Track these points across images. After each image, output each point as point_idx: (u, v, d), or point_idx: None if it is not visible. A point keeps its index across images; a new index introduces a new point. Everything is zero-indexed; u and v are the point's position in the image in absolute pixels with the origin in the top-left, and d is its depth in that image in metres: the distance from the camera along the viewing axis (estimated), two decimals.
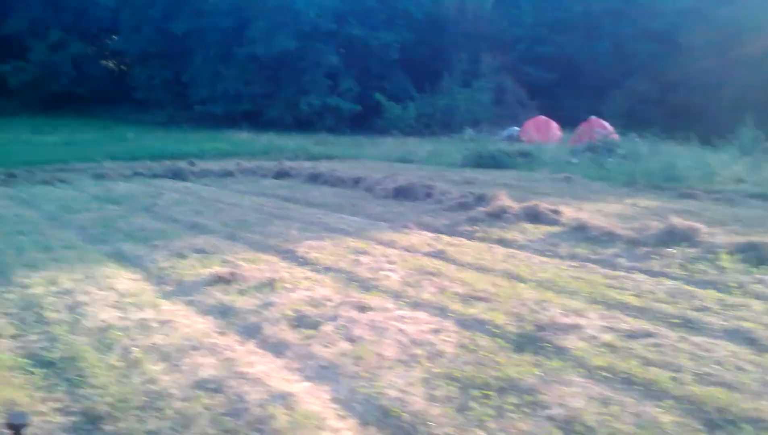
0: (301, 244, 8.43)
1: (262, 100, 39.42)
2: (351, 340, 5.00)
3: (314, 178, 15.58)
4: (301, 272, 7.07)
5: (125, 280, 6.91)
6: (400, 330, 5.16)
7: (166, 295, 6.40)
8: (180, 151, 23.04)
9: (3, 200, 13.38)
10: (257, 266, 7.28)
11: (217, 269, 6.89)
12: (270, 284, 6.47)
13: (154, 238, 9.18)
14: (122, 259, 8.05)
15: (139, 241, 9.03)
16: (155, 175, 17.41)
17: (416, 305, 5.91)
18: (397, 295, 6.21)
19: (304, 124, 37.74)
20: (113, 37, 47.37)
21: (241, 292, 6.33)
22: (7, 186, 15.96)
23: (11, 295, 6.32)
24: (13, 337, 5.23)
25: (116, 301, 6.05)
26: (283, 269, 7.13)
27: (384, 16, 39.32)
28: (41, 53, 42.20)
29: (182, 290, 6.54)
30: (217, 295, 6.25)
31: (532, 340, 4.97)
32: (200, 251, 8.16)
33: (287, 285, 6.48)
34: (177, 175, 17.24)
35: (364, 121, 38.21)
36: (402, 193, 12.67)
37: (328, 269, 7.23)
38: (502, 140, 29.03)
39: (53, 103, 43.63)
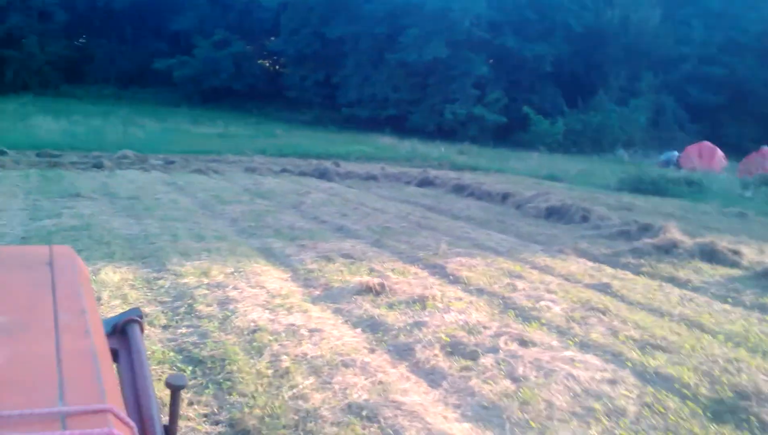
0: (451, 259, 7.97)
1: (407, 106, 39.51)
2: (514, 378, 4.47)
3: (459, 190, 15.11)
4: (452, 291, 6.61)
5: (274, 278, 6.77)
6: (570, 375, 4.56)
7: (315, 300, 6.16)
8: (326, 151, 23.40)
9: (162, 186, 14.00)
10: (406, 279, 6.92)
11: (366, 279, 6.58)
12: (421, 301, 6.06)
13: (301, 237, 9.09)
14: (271, 256, 7.97)
15: (288, 239, 8.97)
16: (302, 173, 17.66)
17: (585, 346, 5.27)
18: (561, 332, 5.60)
19: (446, 133, 37.39)
20: (272, 38, 49.40)
21: (391, 306, 5.97)
22: (165, 172, 16.78)
23: (165, 283, 6.34)
24: (165, 327, 5.17)
25: (266, 300, 5.88)
26: (433, 285, 6.70)
27: (541, 28, 38.13)
28: (205, 50, 44.77)
29: (330, 296, 6.29)
30: (366, 307, 5.93)
31: (732, 410, 4.20)
32: (347, 256, 7.93)
33: (439, 304, 6.04)
34: (323, 174, 17.39)
35: (508, 133, 37.28)
36: (555, 214, 11.92)
37: (481, 291, 6.73)
38: (658, 164, 27.20)
39: (212, 97, 46.18)
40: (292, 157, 22.09)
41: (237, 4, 47.76)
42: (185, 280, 6.40)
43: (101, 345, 1.36)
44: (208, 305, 5.67)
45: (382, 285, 6.38)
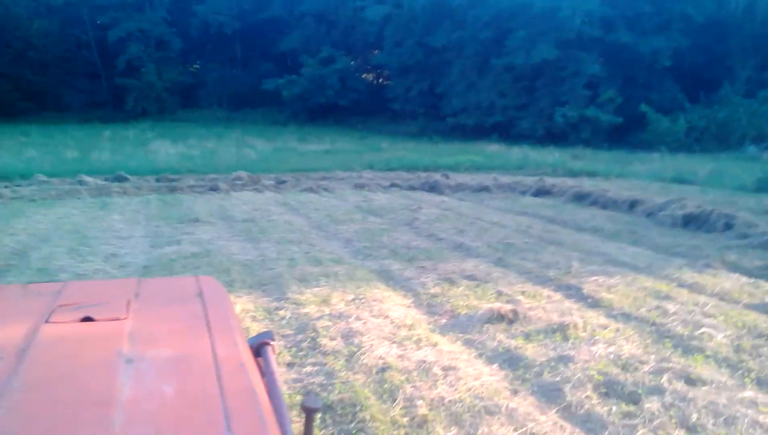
0: (586, 279, 7.29)
1: (514, 112, 38.46)
2: (689, 428, 3.81)
3: (580, 198, 14.20)
4: (594, 317, 5.95)
5: (396, 305, 6.38)
6: (756, 422, 3.84)
7: (442, 330, 5.70)
8: (433, 162, 22.97)
9: (276, 206, 14.05)
10: (540, 304, 6.32)
11: (497, 305, 6.05)
12: (561, 330, 5.47)
13: (419, 257, 8.67)
14: (390, 279, 7.60)
15: (405, 259, 8.58)
16: (411, 188, 17.32)
17: (765, 384, 4.49)
18: (732, 366, 4.84)
19: (556, 137, 36.03)
20: (375, 51, 49.81)
21: (528, 337, 5.41)
22: (277, 192, 16.92)
23: (286, 313, 6.09)
24: (289, 365, 4.87)
25: (391, 332, 5.48)
26: (572, 311, 6.07)
27: (657, 21, 36.01)
28: (312, 68, 45.68)
29: (458, 325, 5.81)
30: (500, 338, 5.40)
31: None
32: (471, 278, 7.42)
33: (582, 333, 5.43)
34: (433, 188, 16.97)
35: (624, 134, 35.41)
36: (693, 222, 10.86)
37: (627, 317, 6.03)
38: None
39: (318, 114, 47.06)
40: (400, 171, 21.82)
41: (342, 20, 48.55)
42: (306, 310, 6.12)
43: (255, 376, 1.40)
44: (332, 339, 5.34)
45: (514, 312, 5.84)
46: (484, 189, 16.53)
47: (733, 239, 9.85)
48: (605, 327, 5.64)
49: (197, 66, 54.92)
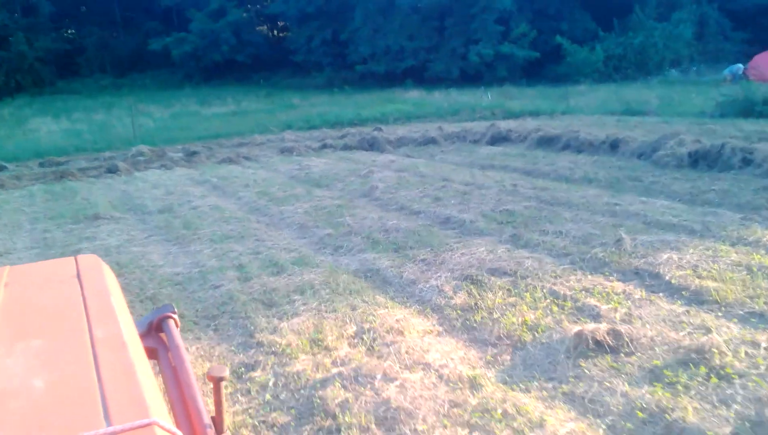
0: (652, 257, 5.46)
1: (426, 55, 36.50)
2: None
3: (548, 143, 12.45)
4: (727, 327, 4.10)
5: (424, 336, 4.33)
6: None
7: (519, 379, 3.71)
8: (357, 115, 20.76)
9: (194, 186, 11.55)
10: (626, 308, 4.44)
11: (574, 326, 4.10)
12: (704, 361, 3.58)
13: (407, 244, 6.62)
14: (387, 284, 5.52)
15: (391, 249, 6.51)
16: (347, 147, 15.10)
17: None
18: None
19: (471, 77, 34.48)
20: (269, 1, 46.27)
21: (659, 379, 3.51)
22: (191, 166, 14.32)
23: (267, 376, 3.92)
24: None
25: (452, 401, 3.43)
26: (686, 319, 4.21)
27: None
28: (201, 23, 41.80)
29: (539, 367, 3.82)
30: (616, 385, 3.48)
31: None
32: (498, 272, 5.46)
33: (739, 364, 3.56)
34: (371, 145, 14.82)
35: (540, 68, 34.30)
36: (702, 160, 9.31)
37: (760, 316, 4.22)
38: (724, 80, 24.25)
39: (214, 73, 43.41)
40: (324, 128, 19.51)
41: None
42: (297, 367, 3.98)
43: (139, 355, 1.34)
44: (355, 415, 3.26)
45: (613, 333, 3.90)
46: (431, 141, 14.51)
47: (761, 177, 8.34)
48: (758, 345, 3.81)
49: (72, 31, 49.47)
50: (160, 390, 1.29)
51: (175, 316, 1.73)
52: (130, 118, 24.56)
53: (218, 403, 1.57)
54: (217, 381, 1.58)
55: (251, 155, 14.95)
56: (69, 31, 49.04)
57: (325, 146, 15.24)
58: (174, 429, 1.09)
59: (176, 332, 1.66)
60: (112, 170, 13.97)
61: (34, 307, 1.54)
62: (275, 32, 50.32)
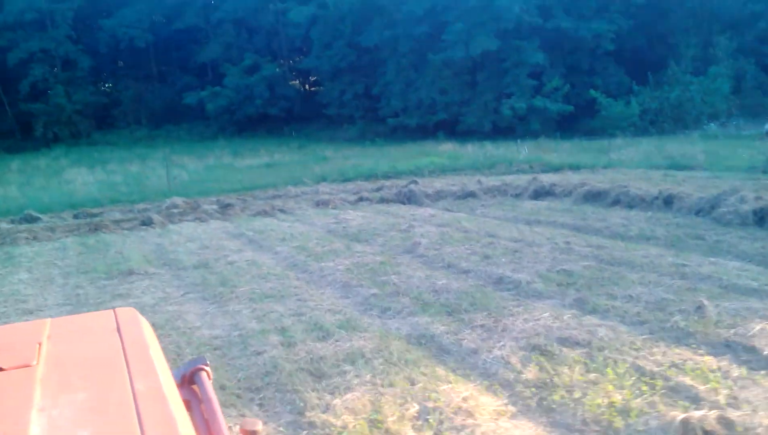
0: (742, 328, 4.93)
1: (458, 108, 36.45)
2: None
3: (595, 198, 11.96)
4: None
5: (494, 415, 3.83)
6: None
7: None
8: (393, 169, 20.49)
9: (229, 240, 11.23)
10: (729, 390, 3.90)
11: (687, 414, 3.57)
12: None
13: (461, 306, 6.16)
14: (445, 353, 5.05)
15: (444, 312, 6.05)
16: (383, 200, 14.76)
17: None
18: None
19: (504, 130, 34.27)
20: (300, 57, 47.01)
21: None
22: (225, 219, 14.06)
23: None
24: None
25: None
26: None
27: (595, 4, 34.71)
28: (236, 77, 42.48)
29: None
30: None
31: None
32: (569, 342, 4.95)
33: None
34: (409, 198, 14.45)
35: (573, 122, 33.94)
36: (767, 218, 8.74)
37: None
38: (766, 134, 23.65)
39: (247, 126, 43.86)
40: (359, 181, 19.25)
41: (263, 24, 45.45)
42: None
43: (178, 407, 1.37)
44: None
45: (724, 422, 3.37)
46: (470, 195, 14.10)
47: None
48: None
49: (110, 85, 50.71)
50: None
51: (208, 369, 1.73)
52: (165, 169, 24.75)
53: None
54: None
55: (286, 208, 14.67)
56: (106, 85, 50.22)
57: (361, 199, 14.92)
58: None
59: (209, 384, 1.68)
60: (147, 223, 13.77)
61: (77, 359, 1.57)
62: (307, 86, 50.95)
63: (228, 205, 16.08)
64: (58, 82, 42.85)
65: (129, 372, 1.46)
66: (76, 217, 16.00)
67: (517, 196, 13.61)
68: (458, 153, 23.83)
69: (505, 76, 34.85)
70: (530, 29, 34.23)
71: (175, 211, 15.73)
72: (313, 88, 49.85)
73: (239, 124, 43.76)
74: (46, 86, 42.56)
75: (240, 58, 43.73)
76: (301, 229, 11.77)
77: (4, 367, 1.49)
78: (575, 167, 17.70)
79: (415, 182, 17.14)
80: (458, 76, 36.44)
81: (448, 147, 28.90)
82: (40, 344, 1.64)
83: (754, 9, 34.24)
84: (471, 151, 24.17)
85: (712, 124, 28.97)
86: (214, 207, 16.25)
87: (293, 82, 48.75)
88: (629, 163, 17.79)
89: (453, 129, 36.03)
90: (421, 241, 9.33)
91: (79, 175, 24.85)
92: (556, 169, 17.68)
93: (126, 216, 15.70)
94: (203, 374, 1.72)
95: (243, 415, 4.12)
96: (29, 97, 41.93)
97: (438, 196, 14.53)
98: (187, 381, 1.71)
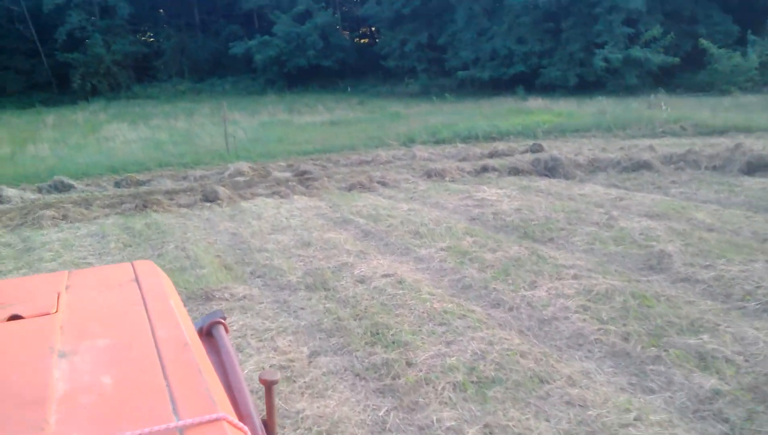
0: None
1: (538, 60, 32.21)
2: None
3: None
4: None
5: None
6: None
7: None
8: (495, 128, 16.77)
9: (335, 231, 7.79)
10: None
11: None
12: None
13: None
14: None
15: None
16: (516, 171, 11.12)
17: None
18: None
19: (592, 85, 30.02)
20: (358, 3, 42.95)
21: None
22: (312, 194, 10.62)
23: None
24: None
25: None
26: None
27: None
28: (286, 26, 38.74)
29: None
30: None
31: None
32: None
33: None
34: (552, 170, 10.81)
35: (675, 77, 29.54)
36: None
37: None
38: None
39: (298, 79, 40.24)
40: (457, 143, 15.64)
41: None
42: None
43: (202, 355, 1.36)
44: None
45: None
46: (644, 165, 10.33)
47: None
48: None
49: (151, 34, 47.36)
50: None
51: (225, 322, 1.65)
52: (217, 126, 21.41)
53: (270, 407, 1.54)
54: (269, 385, 1.54)
55: (387, 180, 11.16)
56: (147, 34, 46.92)
57: (485, 169, 11.32)
58: (240, 424, 1.10)
59: (226, 337, 1.61)
60: (210, 197, 10.42)
61: (97, 308, 1.55)
62: (367, 36, 46.97)
63: (305, 173, 12.70)
64: (96, 31, 39.60)
65: (150, 320, 1.44)
66: (117, 184, 12.79)
67: (718, 169, 9.82)
68: (572, 111, 19.90)
69: (596, 23, 30.40)
70: None
71: (241, 179, 12.40)
72: (373, 37, 45.85)
73: (289, 78, 40.14)
74: (83, 35, 39.33)
75: (291, 4, 39.93)
76: (430, 216, 8.25)
77: (24, 315, 1.49)
78: (745, 129, 13.69)
79: (540, 146, 13.50)
80: (540, 24, 32.09)
81: (538, 103, 25.02)
82: (59, 293, 1.63)
83: None
84: (588, 108, 20.27)
85: None
86: (288, 174, 12.91)
87: (348, 31, 44.78)
88: None
89: (532, 83, 31.84)
90: (668, 250, 5.74)
91: (120, 132, 21.71)
92: (720, 131, 13.74)
93: (180, 185, 12.42)
94: (220, 327, 1.63)
95: None
96: (66, 46, 38.83)
97: (593, 166, 10.84)
98: (204, 334, 1.61)
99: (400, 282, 5.57)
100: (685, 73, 29.70)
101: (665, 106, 17.80)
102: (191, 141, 18.52)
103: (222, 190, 10.66)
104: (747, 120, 14.12)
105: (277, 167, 13.71)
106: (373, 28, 45.06)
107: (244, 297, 5.50)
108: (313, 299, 5.34)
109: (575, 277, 5.37)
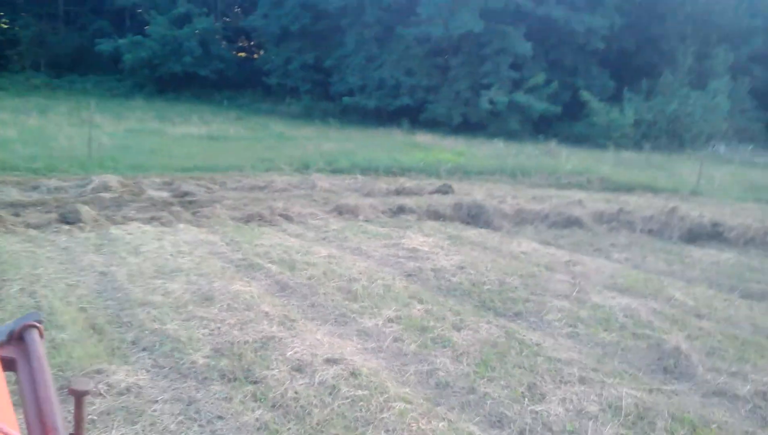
0: None
1: (425, 94, 31.84)
2: None
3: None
4: None
5: None
6: None
7: None
8: (396, 162, 15.61)
9: (240, 279, 6.13)
10: None
11: None
12: None
13: None
14: None
15: None
16: (438, 215, 9.89)
17: None
18: None
19: (473, 126, 30.01)
20: (243, 14, 40.79)
21: None
22: (200, 223, 8.81)
23: None
24: None
25: None
26: None
27: None
28: (162, 27, 35.89)
29: None
30: None
31: None
32: None
33: None
34: (476, 217, 9.71)
35: (554, 126, 30.06)
36: None
37: None
38: None
39: (170, 86, 37.33)
40: (357, 174, 14.32)
41: None
42: None
43: None
44: None
45: None
46: (574, 222, 9.53)
47: None
48: None
49: (6, 20, 42.27)
50: (15, 404, 1.19)
51: (40, 326, 1.50)
52: (75, 128, 18.77)
53: (78, 420, 1.46)
54: (79, 395, 1.46)
55: (291, 213, 9.56)
56: (2, 20, 41.90)
57: (402, 210, 10.02)
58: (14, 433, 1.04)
59: (39, 343, 1.48)
60: (70, 219, 8.30)
61: None
62: (243, 50, 44.75)
63: (187, 195, 10.86)
64: None
65: None
66: None
67: (653, 233, 9.15)
68: (469, 151, 19.18)
69: (484, 64, 30.53)
70: (518, 13, 30.04)
71: (107, 196, 10.30)
72: (256, 51, 43.70)
73: (161, 83, 37.17)
74: None
75: (169, 6, 37.16)
76: (357, 267, 6.78)
77: None
78: (650, 188, 13.45)
79: (449, 187, 12.48)
80: (429, 57, 31.83)
81: (427, 139, 24.36)
82: None
83: (751, 24, 31.65)
84: (481, 150, 19.67)
85: (719, 146, 25.95)
86: (166, 194, 10.97)
87: (230, 42, 42.41)
88: (713, 192, 13.80)
89: (416, 117, 31.31)
90: (682, 347, 4.66)
91: None
92: (627, 188, 13.42)
93: (29, 197, 10.09)
94: (35, 332, 1.50)
95: None
96: None
97: (519, 217, 9.87)
98: (16, 337, 1.47)
99: (353, 374, 4.07)
100: (563, 123, 30.42)
101: (566, 157, 17.52)
102: (45, 142, 15.80)
103: (85, 210, 8.57)
104: (651, 178, 13.95)
105: (152, 184, 11.68)
106: (253, 42, 43.06)
107: (128, 389, 3.75)
108: (236, 400, 3.70)
109: (583, 380, 4.14)
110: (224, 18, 42.69)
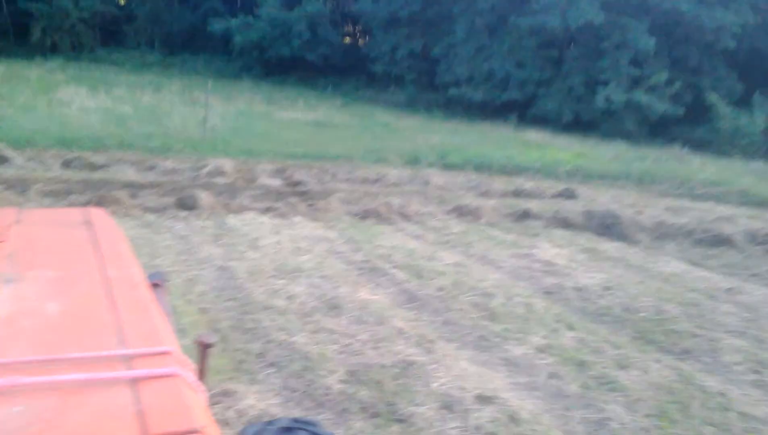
0: None
1: (534, 88, 30.55)
2: None
3: None
4: None
5: None
6: None
7: None
8: (511, 161, 14.77)
9: (364, 284, 5.64)
10: None
11: None
12: None
13: None
14: None
15: None
16: (565, 223, 9.09)
17: None
18: None
19: (585, 125, 28.51)
20: None
21: None
22: (316, 217, 8.41)
23: None
24: None
25: None
26: None
27: None
28: (274, 9, 36.21)
29: None
30: None
31: None
32: None
33: None
34: (609, 228, 8.85)
35: (671, 129, 28.17)
36: None
37: None
38: None
39: (277, 69, 37.69)
40: (469, 171, 13.66)
41: None
42: None
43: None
44: None
45: None
46: (724, 242, 8.54)
47: None
48: None
49: None
50: None
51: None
52: (188, 107, 19.02)
53: (202, 368, 1.53)
54: (205, 347, 1.56)
55: (409, 212, 9.04)
56: None
57: (526, 216, 9.29)
58: (186, 358, 1.11)
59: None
60: (187, 204, 8.10)
61: (47, 243, 1.54)
62: (349, 35, 44.72)
63: (300, 184, 10.52)
64: None
65: (99, 260, 1.44)
66: (66, 164, 10.34)
67: None
68: (588, 152, 18.12)
69: (602, 58, 28.93)
70: (642, 5, 28.27)
71: (222, 181, 10.12)
72: (364, 37, 43.57)
73: (268, 66, 37.60)
74: None
75: None
76: (489, 278, 6.16)
77: None
78: None
79: (572, 192, 11.60)
80: (542, 49, 30.44)
81: (536, 136, 23.36)
82: (9, 226, 1.62)
83: None
84: (599, 151, 18.54)
85: None
86: (279, 182, 10.69)
87: (338, 26, 42.37)
88: None
89: (524, 113, 30.12)
90: None
91: (77, 97, 18.98)
92: None
93: (145, 177, 10.03)
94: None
95: None
96: None
97: (659, 232, 8.93)
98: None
99: (512, 419, 3.47)
100: (682, 126, 28.46)
101: (699, 164, 16.14)
102: (159, 120, 16.01)
103: (202, 196, 8.35)
104: None
105: (264, 171, 11.43)
106: (359, 28, 42.87)
107: (260, 419, 3.30)
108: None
109: None
110: (336, 1, 42.67)
